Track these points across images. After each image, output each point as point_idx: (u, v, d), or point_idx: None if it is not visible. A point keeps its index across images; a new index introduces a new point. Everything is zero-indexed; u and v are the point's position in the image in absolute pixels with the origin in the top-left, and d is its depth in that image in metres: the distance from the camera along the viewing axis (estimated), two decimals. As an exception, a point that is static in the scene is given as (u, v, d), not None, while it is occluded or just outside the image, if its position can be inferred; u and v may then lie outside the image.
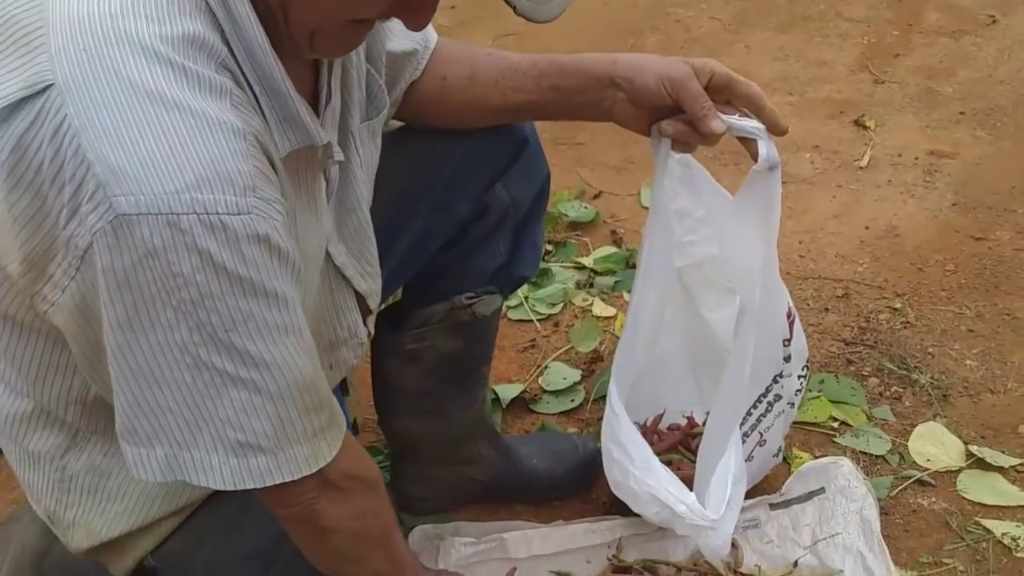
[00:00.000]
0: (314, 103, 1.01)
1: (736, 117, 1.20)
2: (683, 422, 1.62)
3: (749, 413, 1.43)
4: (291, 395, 0.91)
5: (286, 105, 0.92)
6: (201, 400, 0.88)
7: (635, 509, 1.35)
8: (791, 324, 1.44)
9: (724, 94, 1.20)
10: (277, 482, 0.93)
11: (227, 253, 0.83)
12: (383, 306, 1.46)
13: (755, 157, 1.22)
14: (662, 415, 1.62)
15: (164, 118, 0.81)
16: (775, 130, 1.23)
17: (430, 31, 1.28)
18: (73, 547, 1.16)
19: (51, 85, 0.81)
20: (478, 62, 1.29)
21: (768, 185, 1.26)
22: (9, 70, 0.83)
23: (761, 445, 1.49)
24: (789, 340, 1.44)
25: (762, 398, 1.44)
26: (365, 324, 1.21)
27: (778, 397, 1.46)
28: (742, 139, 1.22)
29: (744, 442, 1.43)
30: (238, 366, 0.87)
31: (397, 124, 1.35)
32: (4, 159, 0.83)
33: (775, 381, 1.44)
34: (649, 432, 1.61)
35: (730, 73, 1.20)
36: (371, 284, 1.19)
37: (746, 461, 1.44)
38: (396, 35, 1.23)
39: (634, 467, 1.30)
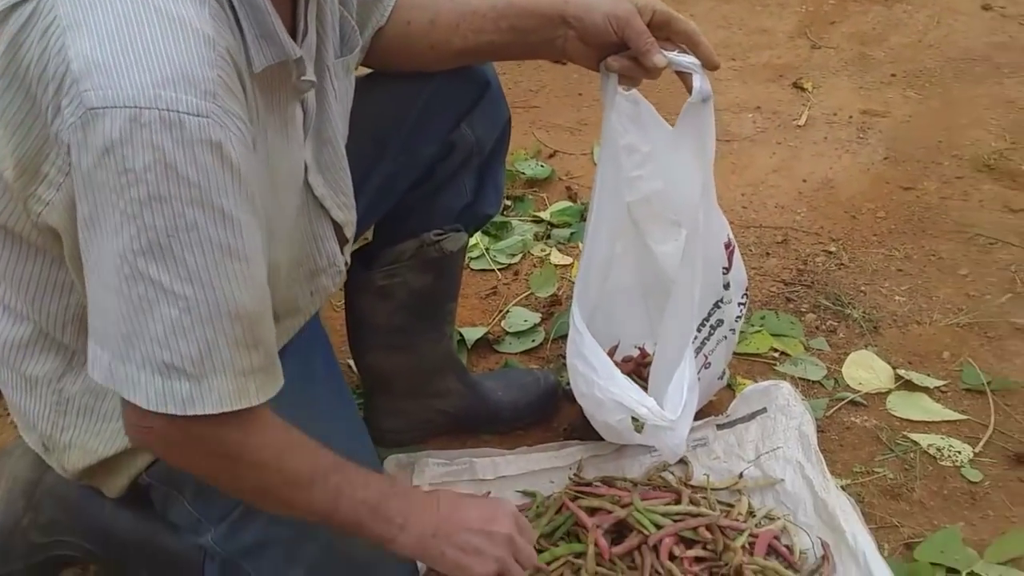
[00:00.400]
0: (292, 36, 1.07)
1: (675, 53, 1.29)
2: (635, 353, 1.74)
3: (694, 337, 1.54)
4: (222, 322, 0.92)
5: (263, 20, 0.98)
6: (134, 314, 0.91)
7: (599, 417, 1.45)
8: (730, 254, 1.56)
9: (664, 31, 1.29)
10: (198, 412, 0.94)
11: (180, 153, 0.86)
12: (355, 246, 1.56)
13: (690, 90, 1.32)
14: (616, 347, 1.73)
15: (143, 19, 0.87)
16: (709, 64, 1.31)
17: None
18: (69, 469, 1.21)
19: None
20: (440, 6, 1.35)
21: (702, 116, 1.36)
22: None
23: (706, 368, 1.60)
24: (728, 268, 1.55)
25: (704, 322, 1.55)
26: (343, 252, 1.29)
27: (720, 322, 1.58)
28: (680, 73, 1.32)
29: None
30: (173, 278, 0.89)
31: (364, 71, 1.44)
32: None
33: (716, 307, 1.56)
34: (604, 364, 1.73)
35: (669, 11, 1.29)
36: (347, 214, 1.27)
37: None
38: None
39: (598, 378, 1.39)
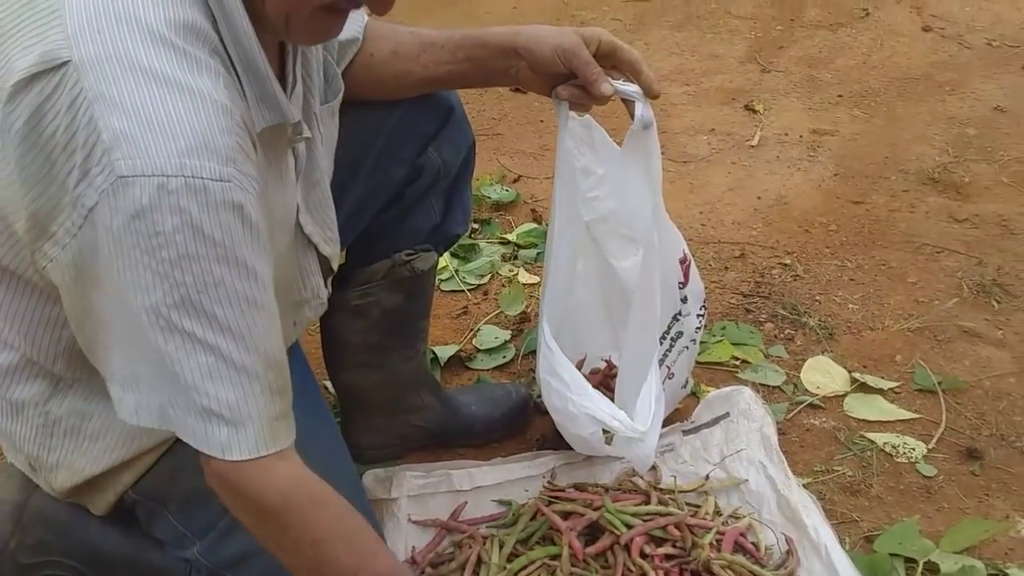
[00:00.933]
0: (282, 87, 1.13)
1: (620, 81, 1.34)
2: (602, 365, 1.80)
3: (659, 342, 1.59)
4: (255, 369, 0.98)
5: (264, 86, 1.05)
6: (171, 364, 0.96)
7: (572, 430, 1.51)
8: (686, 269, 1.62)
9: (610, 60, 1.35)
10: (236, 458, 0.98)
11: (206, 215, 0.92)
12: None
13: (632, 117, 1.37)
14: (584, 360, 1.79)
15: (165, 94, 0.93)
16: (650, 93, 1.36)
17: (362, 15, 1.43)
18: (56, 488, 1.24)
19: (68, 62, 0.92)
20: (400, 38, 1.42)
21: (645, 141, 1.41)
22: (24, 46, 0.94)
23: (670, 378, 1.67)
24: (684, 283, 1.61)
25: (665, 335, 1.61)
26: (326, 285, 1.34)
27: (679, 334, 1.64)
28: (624, 100, 1.37)
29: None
30: (206, 330, 0.95)
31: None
32: (21, 125, 0.94)
33: (675, 319, 1.62)
34: (573, 377, 1.79)
35: (615, 41, 1.35)
36: (334, 248, 1.33)
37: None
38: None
39: (571, 393, 1.45)
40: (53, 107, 0.93)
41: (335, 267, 1.35)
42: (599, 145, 1.53)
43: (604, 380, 1.77)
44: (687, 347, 1.68)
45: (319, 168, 1.27)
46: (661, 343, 1.60)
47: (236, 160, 0.96)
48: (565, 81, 1.37)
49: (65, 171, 0.94)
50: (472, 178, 1.65)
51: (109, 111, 0.92)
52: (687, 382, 1.75)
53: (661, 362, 1.62)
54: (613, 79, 1.35)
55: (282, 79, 1.14)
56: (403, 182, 1.52)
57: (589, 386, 1.48)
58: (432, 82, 1.44)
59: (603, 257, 1.67)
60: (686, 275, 1.63)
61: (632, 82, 1.36)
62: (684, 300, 1.63)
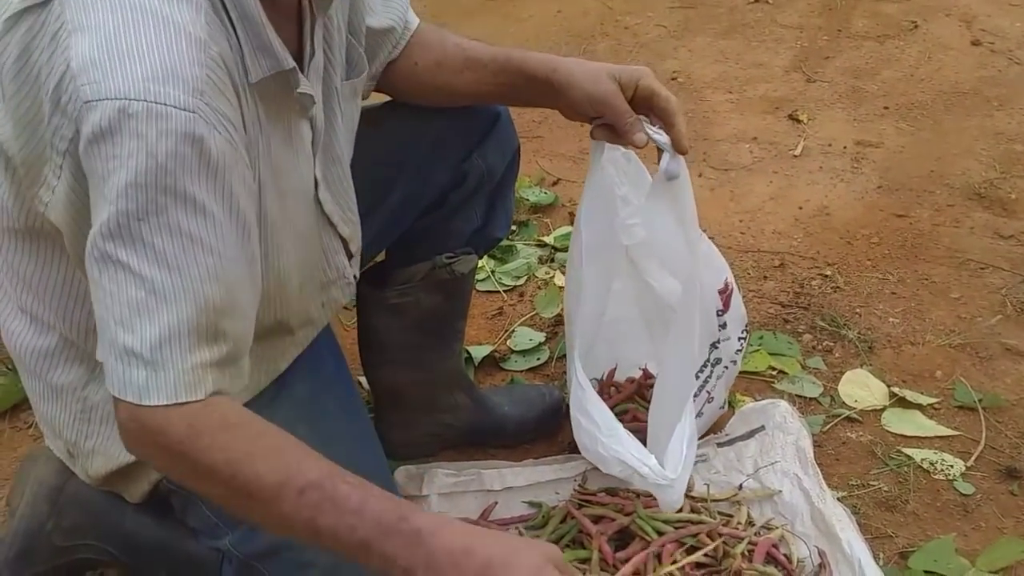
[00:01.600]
0: (299, 58, 1.14)
1: (655, 128, 1.32)
2: (638, 374, 1.79)
3: (697, 376, 1.59)
4: (186, 310, 0.93)
5: (258, 33, 1.03)
6: (104, 296, 0.93)
7: (603, 470, 1.48)
8: (727, 297, 1.60)
9: (647, 103, 1.32)
10: (150, 403, 0.93)
11: (162, 143, 0.90)
12: (369, 265, 1.62)
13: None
14: (615, 369, 1.78)
15: (139, 21, 0.93)
16: (678, 148, 1.33)
17: (411, 15, 1.44)
18: (92, 475, 1.26)
19: None
20: (447, 50, 1.42)
21: (672, 192, 1.39)
22: None
23: (709, 402, 1.66)
24: (723, 311, 1.60)
25: (705, 365, 1.61)
26: (351, 266, 1.35)
27: (718, 360, 1.63)
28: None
29: (694, 402, 1.59)
30: (140, 260, 0.91)
31: (379, 101, 1.51)
32: (11, 64, 0.95)
33: (713, 347, 1.61)
34: (606, 385, 1.78)
35: (653, 85, 1.31)
36: (353, 229, 1.33)
37: (697, 416, 1.61)
38: (376, 12, 1.37)
39: (601, 435, 1.43)
40: (39, 43, 0.94)
41: (354, 250, 1.34)
42: (636, 178, 1.52)
43: (639, 390, 1.76)
44: (726, 368, 1.66)
45: (339, 145, 1.27)
46: (700, 373, 1.59)
47: (205, 93, 0.94)
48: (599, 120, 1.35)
49: (47, 108, 0.94)
50: (515, 183, 1.66)
51: (81, 39, 0.92)
52: (724, 402, 1.73)
53: (701, 388, 1.61)
54: (650, 122, 1.33)
55: (300, 49, 1.14)
56: (447, 187, 1.53)
57: (620, 428, 1.44)
58: (471, 96, 1.45)
59: (641, 277, 1.64)
60: (726, 303, 1.60)
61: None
62: (723, 327, 1.61)
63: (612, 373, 1.79)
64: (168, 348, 0.93)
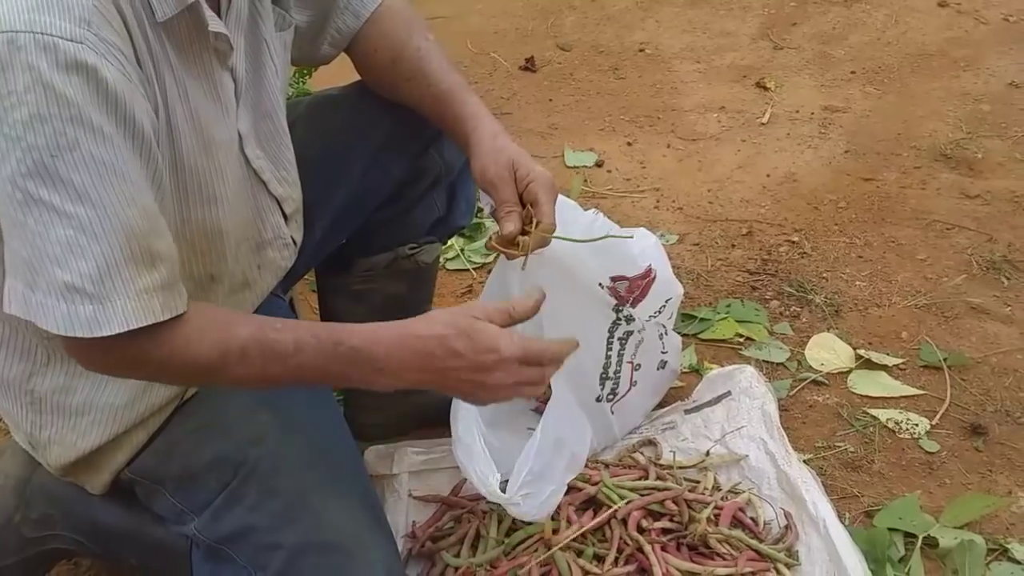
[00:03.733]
0: (216, 7, 1.12)
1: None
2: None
3: (608, 359, 1.56)
4: (116, 240, 0.95)
5: None
6: (33, 238, 0.94)
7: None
8: (633, 287, 1.55)
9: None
10: (104, 334, 0.95)
11: (57, 74, 0.90)
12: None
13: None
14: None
15: None
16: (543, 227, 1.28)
17: None
18: (53, 465, 1.26)
19: None
20: (406, 52, 1.40)
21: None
22: None
23: (637, 369, 1.62)
24: (623, 303, 1.54)
25: (610, 341, 1.55)
26: (287, 227, 1.32)
27: (627, 334, 1.57)
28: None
29: (619, 377, 1.58)
30: (63, 199, 0.92)
31: (335, 88, 1.49)
32: None
33: (615, 325, 1.55)
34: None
35: (538, 194, 1.26)
36: (288, 190, 1.30)
37: (632, 386, 1.61)
38: None
39: (460, 447, 1.40)
40: None
41: (288, 211, 1.32)
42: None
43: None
44: (640, 341, 1.60)
45: (270, 99, 1.25)
46: (610, 348, 1.57)
47: (92, 23, 0.94)
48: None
49: None
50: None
51: None
52: (664, 363, 1.70)
53: (620, 362, 1.58)
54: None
55: None
56: (403, 181, 1.51)
57: (478, 444, 1.40)
58: (411, 106, 1.43)
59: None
60: (642, 291, 1.56)
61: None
62: (618, 311, 1.54)
63: None
64: (110, 280, 0.95)
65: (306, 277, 1.99)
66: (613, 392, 1.60)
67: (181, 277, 1.08)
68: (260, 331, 1.04)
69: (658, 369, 1.70)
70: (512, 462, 1.37)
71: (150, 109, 1.02)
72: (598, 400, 1.59)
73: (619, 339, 1.57)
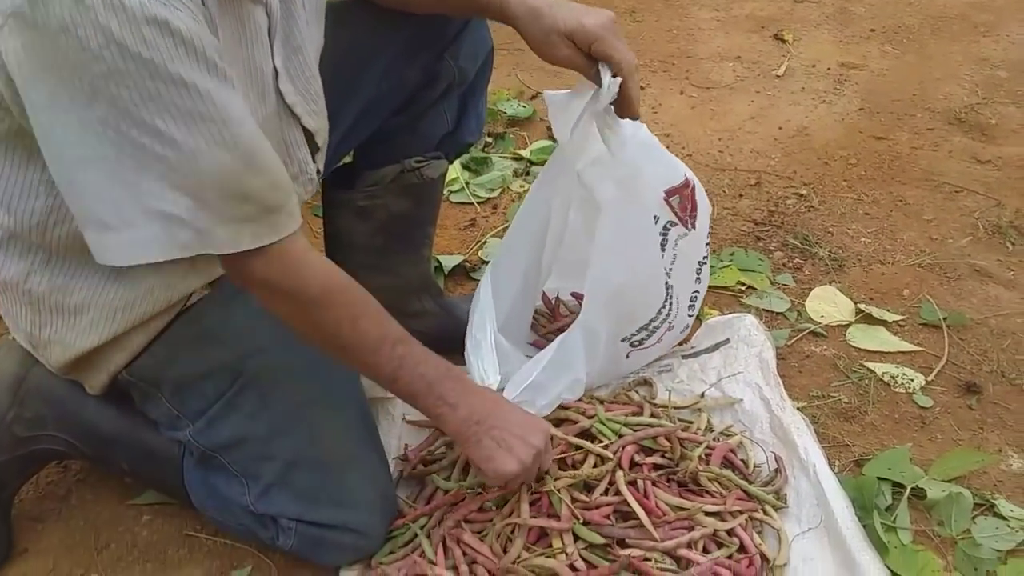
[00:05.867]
0: None
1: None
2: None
3: (659, 312, 1.56)
4: (207, 179, 1.00)
5: None
6: (127, 171, 0.97)
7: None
8: (689, 195, 1.55)
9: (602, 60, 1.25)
10: (199, 252, 1.03)
11: (127, 32, 0.91)
12: (336, 166, 1.60)
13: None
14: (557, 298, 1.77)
15: None
16: (628, 111, 1.31)
17: None
18: (53, 364, 1.27)
19: None
20: None
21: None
22: None
23: (670, 330, 1.61)
24: (684, 223, 1.53)
25: (667, 299, 1.56)
26: (314, 161, 1.32)
27: (672, 287, 1.57)
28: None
29: (654, 333, 1.58)
30: (153, 141, 0.96)
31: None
32: None
33: (668, 276, 1.55)
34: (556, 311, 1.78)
35: (608, 50, 1.23)
36: (319, 121, 1.30)
37: (657, 344, 1.61)
38: None
39: (470, 340, 1.42)
40: None
41: (320, 143, 1.32)
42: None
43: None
44: (690, 296, 1.63)
45: (300, 33, 1.23)
46: (664, 306, 1.56)
47: None
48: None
49: None
50: (487, 87, 1.63)
51: None
52: (686, 327, 1.69)
53: (664, 320, 1.58)
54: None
55: None
56: (417, 87, 1.50)
57: (488, 340, 1.42)
58: (441, 5, 1.40)
59: (594, 201, 1.52)
60: (683, 211, 1.57)
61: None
62: (665, 230, 1.54)
63: (557, 302, 1.78)
64: (203, 211, 1.01)
65: (310, 201, 1.99)
66: (641, 342, 1.59)
67: None
68: (409, 336, 1.22)
69: (681, 332, 1.70)
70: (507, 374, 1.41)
71: (216, 42, 1.02)
72: (623, 340, 1.57)
73: (670, 297, 1.56)
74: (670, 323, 1.61)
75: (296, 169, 1.29)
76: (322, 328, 1.15)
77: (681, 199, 1.58)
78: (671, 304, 1.59)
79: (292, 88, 1.24)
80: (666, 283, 1.56)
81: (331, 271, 1.17)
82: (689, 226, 1.61)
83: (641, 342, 1.58)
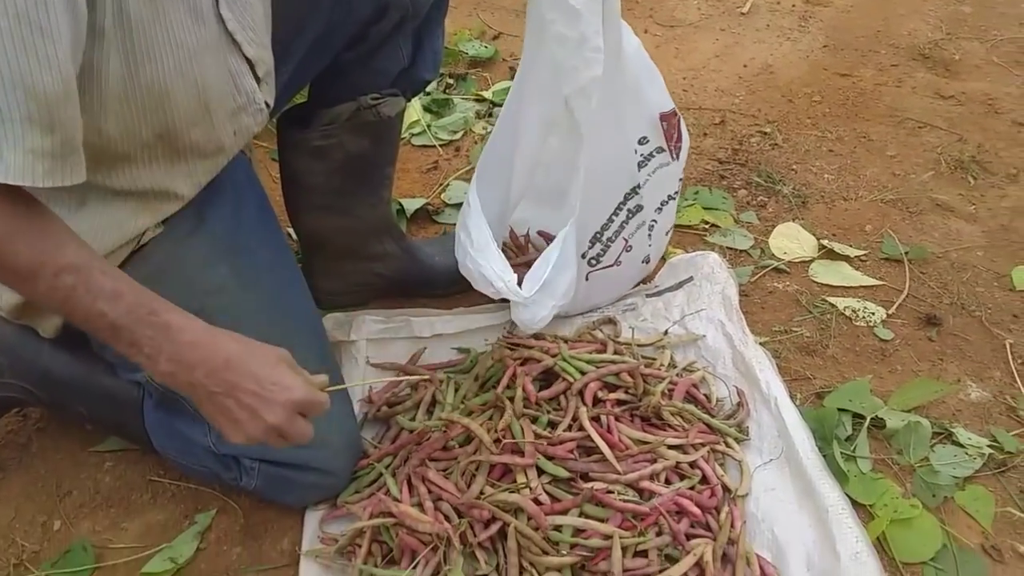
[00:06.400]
0: None
1: None
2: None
3: (610, 221, 1.57)
4: (16, 94, 0.90)
5: None
6: None
7: (475, 287, 1.47)
8: (676, 124, 1.56)
9: None
10: None
11: None
12: (289, 105, 1.57)
13: None
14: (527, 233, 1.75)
15: None
16: None
17: None
18: (4, 308, 1.25)
19: None
20: None
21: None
22: None
23: (627, 251, 1.63)
24: (672, 149, 1.56)
25: (620, 207, 1.57)
26: (261, 91, 1.28)
27: (638, 207, 1.59)
28: None
29: (609, 248, 1.58)
30: None
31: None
32: None
33: (633, 192, 1.57)
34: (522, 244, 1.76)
35: None
36: (258, 51, 1.25)
37: (615, 265, 1.61)
38: None
39: (472, 249, 1.42)
40: None
41: (261, 74, 1.28)
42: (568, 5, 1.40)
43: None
44: (644, 221, 1.62)
45: None
46: (617, 214, 1.57)
47: None
48: None
49: None
50: (444, 21, 1.59)
51: None
52: (647, 258, 1.71)
53: (617, 234, 1.59)
54: None
55: None
56: (368, 19, 1.46)
57: (492, 245, 1.43)
58: None
59: (579, 134, 1.51)
60: (669, 137, 1.57)
61: None
62: (634, 190, 1.56)
63: (527, 240, 1.77)
64: (1, 129, 0.91)
65: (267, 145, 1.96)
66: (597, 259, 1.59)
67: (133, 144, 1.06)
68: (88, 264, 1.00)
69: (642, 262, 1.69)
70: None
71: None
72: (582, 256, 1.57)
73: (628, 210, 1.56)
74: (626, 240, 1.60)
75: (244, 99, 1.26)
76: None
77: (668, 127, 1.57)
78: (626, 219, 1.58)
79: (231, 15, 1.19)
80: (626, 194, 1.55)
81: None
82: (673, 156, 1.61)
83: (597, 259, 1.57)
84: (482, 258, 1.40)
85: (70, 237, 1.01)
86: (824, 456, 1.38)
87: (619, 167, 1.53)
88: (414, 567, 1.20)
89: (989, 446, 1.43)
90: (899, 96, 2.31)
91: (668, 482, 1.32)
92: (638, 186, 1.58)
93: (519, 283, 1.43)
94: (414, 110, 2.17)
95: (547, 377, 1.48)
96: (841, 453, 1.40)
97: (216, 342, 1.06)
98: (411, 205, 1.91)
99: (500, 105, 2.21)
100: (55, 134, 0.95)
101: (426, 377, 1.50)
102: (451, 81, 2.27)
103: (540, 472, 1.30)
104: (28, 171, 0.93)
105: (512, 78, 2.29)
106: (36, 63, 0.90)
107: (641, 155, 1.57)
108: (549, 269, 1.41)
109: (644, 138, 1.57)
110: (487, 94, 2.26)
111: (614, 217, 1.57)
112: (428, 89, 2.24)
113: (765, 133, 2.18)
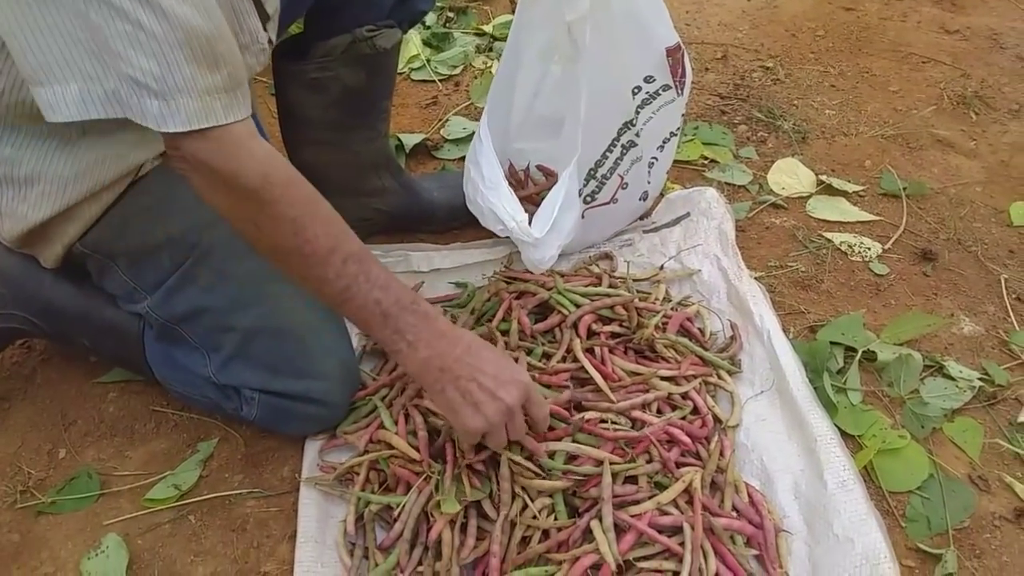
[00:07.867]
0: None
1: None
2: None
3: (604, 157, 1.56)
4: (176, 40, 0.95)
5: None
6: (95, 29, 0.94)
7: (482, 224, 1.48)
8: (680, 59, 1.55)
9: None
10: (171, 130, 0.97)
11: None
12: (285, 37, 1.56)
13: None
14: (527, 168, 1.75)
15: None
16: None
17: None
18: (7, 237, 1.26)
19: None
20: None
21: None
22: None
23: (624, 188, 1.62)
24: (677, 82, 1.55)
25: (614, 143, 1.56)
26: (265, 30, 1.29)
27: (631, 143, 1.57)
28: None
29: (604, 185, 1.58)
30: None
31: None
32: None
33: (626, 127, 1.55)
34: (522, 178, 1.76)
35: None
36: None
37: (611, 203, 1.61)
38: None
39: (484, 186, 1.43)
40: None
41: (271, 11, 1.28)
42: None
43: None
44: (640, 157, 1.61)
45: None
46: (611, 150, 1.57)
47: None
48: None
49: None
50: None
51: None
52: (645, 194, 1.70)
53: (612, 170, 1.58)
54: None
55: None
56: None
57: (503, 183, 1.44)
58: None
59: (581, 63, 1.51)
60: (674, 72, 1.56)
61: None
62: (630, 125, 1.55)
63: (526, 172, 1.76)
64: (172, 79, 0.95)
65: (265, 80, 1.95)
66: (593, 196, 1.59)
67: None
68: (367, 254, 1.09)
69: (640, 199, 1.69)
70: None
71: None
72: (579, 194, 1.56)
73: (622, 145, 1.55)
74: (621, 177, 1.60)
75: (247, 39, 1.25)
76: (261, 227, 1.04)
77: (673, 62, 1.56)
78: (620, 155, 1.57)
79: None
80: (619, 129, 1.55)
81: (274, 160, 1.05)
82: (679, 92, 1.60)
83: (593, 196, 1.58)
84: (494, 196, 1.42)
85: (347, 225, 1.09)
86: (815, 388, 1.40)
87: (615, 100, 1.52)
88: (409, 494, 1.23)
89: (980, 379, 1.45)
90: (904, 31, 2.28)
91: (660, 412, 1.34)
92: (632, 121, 1.57)
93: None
94: (413, 44, 2.15)
95: (542, 310, 1.50)
96: (832, 385, 1.42)
97: (456, 330, 1.14)
98: (410, 140, 1.91)
99: (501, 39, 2.21)
100: (222, 69, 0.98)
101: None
102: (451, 15, 2.25)
103: (534, 402, 1.32)
104: (207, 112, 0.98)
105: (513, 12, 2.28)
106: (185, 7, 0.94)
107: (647, 93, 1.57)
108: (557, 209, 1.43)
109: (650, 76, 1.56)
110: (488, 28, 2.24)
111: (608, 153, 1.57)
112: (428, 23, 2.22)
113: (767, 68, 2.16)
